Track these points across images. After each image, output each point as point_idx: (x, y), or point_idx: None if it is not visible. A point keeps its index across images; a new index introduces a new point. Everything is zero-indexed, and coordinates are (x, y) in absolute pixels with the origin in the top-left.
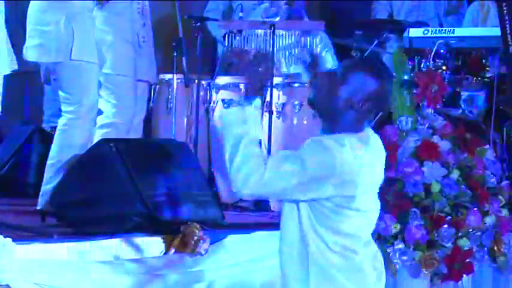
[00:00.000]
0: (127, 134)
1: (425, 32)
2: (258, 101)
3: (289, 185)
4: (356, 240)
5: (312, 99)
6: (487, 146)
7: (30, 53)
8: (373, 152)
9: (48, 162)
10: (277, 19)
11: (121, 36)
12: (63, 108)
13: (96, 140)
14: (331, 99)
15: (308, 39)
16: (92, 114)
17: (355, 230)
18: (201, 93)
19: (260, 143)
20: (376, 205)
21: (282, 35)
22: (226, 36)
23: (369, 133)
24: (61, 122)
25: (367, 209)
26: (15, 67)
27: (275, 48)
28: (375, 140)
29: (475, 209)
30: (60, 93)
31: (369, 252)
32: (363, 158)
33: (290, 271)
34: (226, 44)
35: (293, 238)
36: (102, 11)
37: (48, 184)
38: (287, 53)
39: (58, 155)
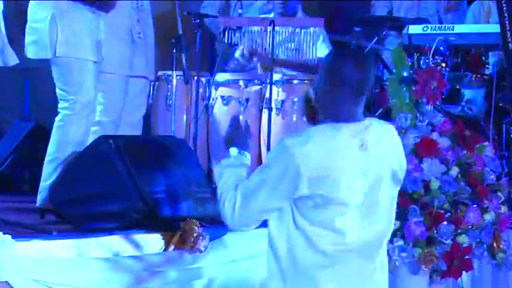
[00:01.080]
0: (115, 132)
1: (425, 28)
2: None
3: (261, 200)
4: (341, 238)
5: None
6: (486, 143)
7: (29, 50)
8: (365, 144)
9: (46, 158)
10: (271, 15)
11: (113, 32)
12: (59, 105)
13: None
14: (314, 88)
15: (303, 31)
16: (86, 110)
17: (342, 225)
18: (201, 90)
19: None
20: (375, 198)
21: (277, 31)
22: (226, 32)
23: (361, 125)
24: (57, 118)
25: (357, 203)
26: (17, 61)
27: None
28: (370, 132)
29: (475, 205)
30: (57, 89)
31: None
32: (340, 149)
33: (271, 269)
34: (225, 41)
35: (277, 237)
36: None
37: (47, 181)
38: (283, 47)
39: (55, 151)
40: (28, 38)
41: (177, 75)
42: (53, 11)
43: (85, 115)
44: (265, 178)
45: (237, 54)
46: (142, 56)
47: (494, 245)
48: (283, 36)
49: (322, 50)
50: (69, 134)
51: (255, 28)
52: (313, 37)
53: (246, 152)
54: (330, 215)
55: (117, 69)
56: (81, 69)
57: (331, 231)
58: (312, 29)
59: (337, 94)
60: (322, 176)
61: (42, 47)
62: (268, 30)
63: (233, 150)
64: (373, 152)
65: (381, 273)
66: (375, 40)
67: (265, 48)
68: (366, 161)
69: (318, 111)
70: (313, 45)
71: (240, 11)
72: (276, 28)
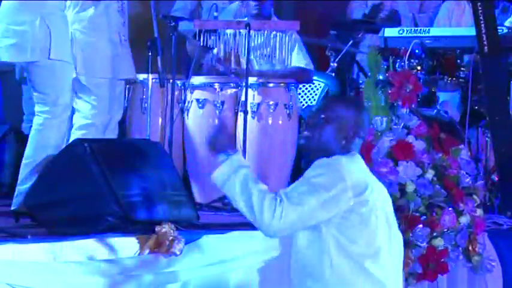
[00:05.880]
0: (103, 134)
1: (401, 31)
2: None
3: (310, 206)
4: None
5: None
6: (462, 146)
7: (5, 54)
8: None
9: (24, 162)
10: (245, 19)
11: (103, 36)
12: (38, 108)
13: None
14: (321, 139)
15: (278, 38)
16: (66, 113)
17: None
18: (176, 93)
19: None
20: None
21: (252, 35)
22: (201, 35)
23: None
24: (36, 121)
25: (380, 214)
26: None
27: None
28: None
29: (450, 208)
30: (35, 93)
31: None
32: (363, 168)
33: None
34: (200, 44)
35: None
36: (85, 12)
37: (23, 184)
38: (258, 52)
39: (33, 154)
40: (5, 41)
41: (152, 79)
42: (40, 13)
43: (65, 119)
44: (312, 187)
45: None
46: (127, 58)
47: (470, 248)
48: (259, 41)
49: (296, 59)
50: (49, 138)
51: (230, 31)
52: (289, 45)
53: (232, 152)
54: (370, 228)
55: (107, 73)
56: (63, 72)
57: (373, 249)
58: (287, 37)
59: (347, 139)
60: (363, 183)
61: (28, 50)
62: (244, 33)
63: (221, 156)
64: (375, 179)
65: None
66: (350, 43)
67: (239, 52)
68: (375, 182)
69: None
70: (288, 53)
71: (215, 13)
72: (252, 31)
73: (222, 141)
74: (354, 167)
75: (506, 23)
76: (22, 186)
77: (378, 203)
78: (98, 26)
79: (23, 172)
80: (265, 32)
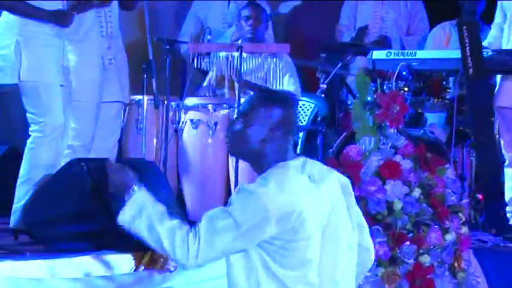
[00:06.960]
0: (86, 155)
1: (388, 54)
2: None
3: (227, 241)
4: (311, 270)
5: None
6: (448, 165)
7: None
8: (313, 177)
9: (19, 180)
10: (239, 41)
11: (85, 61)
12: (30, 128)
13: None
14: (246, 144)
15: (272, 62)
16: (57, 133)
17: (310, 258)
18: (170, 114)
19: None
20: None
21: (245, 58)
22: (195, 58)
23: (300, 161)
24: (29, 140)
25: (318, 237)
26: None
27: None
28: (311, 166)
29: (436, 226)
30: (27, 113)
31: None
32: (296, 184)
33: None
34: (194, 66)
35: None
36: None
37: (20, 202)
38: (252, 76)
39: (28, 173)
40: None
41: (147, 100)
42: (17, 37)
43: (55, 138)
44: (232, 221)
45: (207, 80)
46: (116, 81)
47: (455, 264)
48: (252, 65)
49: (287, 84)
50: (40, 157)
51: (224, 54)
52: (282, 70)
53: (135, 190)
54: (299, 253)
55: (87, 97)
56: (48, 93)
57: (301, 271)
58: (281, 64)
59: (273, 137)
60: (289, 212)
61: (8, 73)
62: (236, 56)
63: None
64: (322, 185)
65: None
66: (339, 66)
67: (234, 74)
68: (318, 194)
69: (251, 160)
70: (280, 78)
71: (209, 37)
72: (245, 55)
73: (122, 182)
74: (286, 190)
75: (484, 43)
76: (18, 204)
77: (311, 228)
78: (77, 51)
79: (18, 190)
80: (259, 56)
